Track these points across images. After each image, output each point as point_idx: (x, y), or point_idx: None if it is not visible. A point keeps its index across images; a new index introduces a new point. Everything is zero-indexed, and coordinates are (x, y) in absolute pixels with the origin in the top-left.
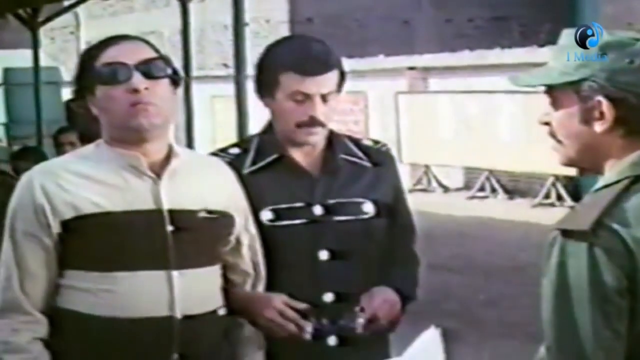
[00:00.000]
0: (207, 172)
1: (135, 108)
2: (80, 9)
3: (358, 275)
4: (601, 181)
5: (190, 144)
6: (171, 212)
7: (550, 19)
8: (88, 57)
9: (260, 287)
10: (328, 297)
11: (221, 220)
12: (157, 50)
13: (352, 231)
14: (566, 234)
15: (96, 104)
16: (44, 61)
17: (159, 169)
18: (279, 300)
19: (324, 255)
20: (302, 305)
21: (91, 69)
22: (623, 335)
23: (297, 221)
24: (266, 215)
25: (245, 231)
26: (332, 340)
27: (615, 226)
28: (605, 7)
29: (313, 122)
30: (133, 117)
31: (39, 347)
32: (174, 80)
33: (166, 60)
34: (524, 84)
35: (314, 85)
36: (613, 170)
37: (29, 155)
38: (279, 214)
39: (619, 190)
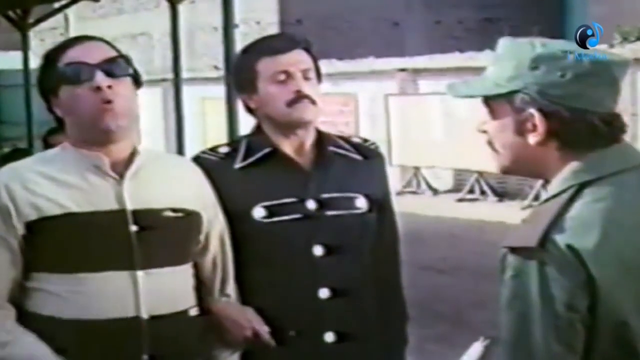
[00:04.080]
0: (172, 171)
1: (102, 109)
2: (70, 11)
3: (353, 270)
4: (548, 191)
5: (180, 146)
6: (135, 211)
7: (540, 20)
8: (50, 59)
9: (230, 285)
10: (324, 292)
11: (187, 219)
12: (117, 50)
13: (346, 226)
14: (515, 250)
15: (60, 105)
16: (33, 62)
17: (122, 169)
18: (254, 326)
19: (318, 250)
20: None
21: (53, 70)
22: (577, 350)
23: (291, 217)
24: (259, 212)
25: (213, 230)
26: (329, 337)
27: (564, 239)
28: (594, 9)
29: (300, 96)
30: (100, 119)
31: (19, 328)
32: (136, 80)
33: (127, 59)
34: (460, 94)
35: (289, 61)
36: (556, 181)
37: (20, 157)
38: (271, 211)
39: (564, 201)
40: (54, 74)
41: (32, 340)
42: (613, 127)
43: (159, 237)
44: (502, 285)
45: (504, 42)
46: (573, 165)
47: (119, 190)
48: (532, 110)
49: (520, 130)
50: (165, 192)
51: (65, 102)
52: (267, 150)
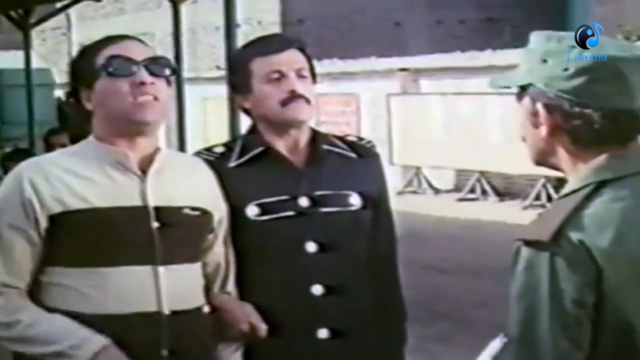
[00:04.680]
0: (189, 170)
1: (143, 101)
2: (72, 11)
3: (346, 268)
4: (566, 187)
5: (182, 145)
6: (157, 208)
7: (541, 20)
8: (87, 52)
9: (231, 283)
10: (317, 289)
11: (203, 218)
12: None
13: (339, 223)
14: (529, 243)
15: (93, 97)
16: (35, 62)
17: (145, 166)
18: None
19: (311, 247)
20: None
21: (92, 63)
22: (583, 347)
23: (283, 214)
24: (252, 210)
25: (221, 230)
26: (323, 333)
27: (578, 236)
28: (596, 9)
29: (294, 95)
30: (138, 111)
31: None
32: (169, 81)
33: (168, 60)
34: (494, 86)
35: (283, 61)
36: (576, 176)
37: (21, 157)
38: (265, 209)
39: (582, 198)
40: (92, 66)
41: (44, 317)
42: (620, 125)
43: (179, 234)
44: (513, 278)
45: (533, 35)
46: (595, 162)
47: (143, 187)
48: (538, 104)
49: (534, 123)
50: (185, 191)
51: (101, 93)
52: (260, 149)
